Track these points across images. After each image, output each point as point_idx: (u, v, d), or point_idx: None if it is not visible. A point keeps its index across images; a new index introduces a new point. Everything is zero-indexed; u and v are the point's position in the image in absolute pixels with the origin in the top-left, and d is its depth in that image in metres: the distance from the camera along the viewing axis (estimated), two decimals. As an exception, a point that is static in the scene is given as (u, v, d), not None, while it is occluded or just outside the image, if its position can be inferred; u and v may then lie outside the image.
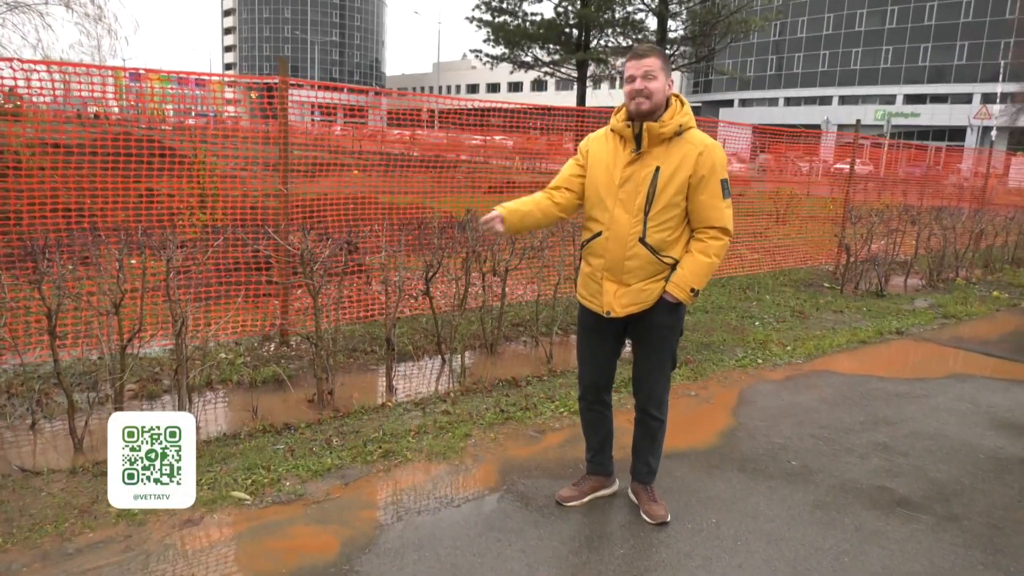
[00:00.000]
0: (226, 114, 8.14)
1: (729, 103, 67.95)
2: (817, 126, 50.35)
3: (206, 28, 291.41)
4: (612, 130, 3.07)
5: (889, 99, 58.54)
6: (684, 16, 31.03)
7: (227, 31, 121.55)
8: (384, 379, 4.98)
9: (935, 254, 10.34)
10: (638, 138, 2.95)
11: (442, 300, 6.24)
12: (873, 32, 59.94)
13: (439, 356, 5.61)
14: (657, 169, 2.93)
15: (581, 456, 3.57)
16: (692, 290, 2.98)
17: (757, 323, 7.16)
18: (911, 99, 57.54)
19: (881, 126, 48.98)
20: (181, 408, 4.11)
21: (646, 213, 2.94)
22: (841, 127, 50.61)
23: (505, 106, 8.84)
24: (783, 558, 3.00)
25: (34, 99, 5.26)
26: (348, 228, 6.15)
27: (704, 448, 4.10)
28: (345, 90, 6.99)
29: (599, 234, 3.05)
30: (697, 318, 7.22)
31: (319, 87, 6.47)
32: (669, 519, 3.23)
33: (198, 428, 4.09)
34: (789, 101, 65.42)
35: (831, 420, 4.65)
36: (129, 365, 4.21)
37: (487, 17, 31.70)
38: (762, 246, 10.81)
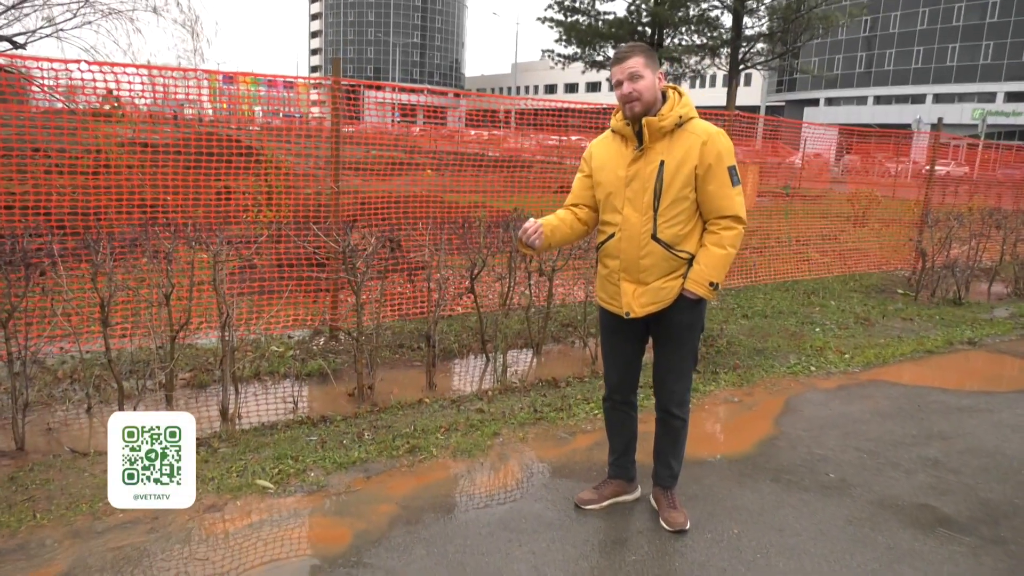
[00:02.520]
0: (311, 115, 8.40)
1: (815, 102, 65.59)
2: (908, 126, 48.14)
3: (294, 32, 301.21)
4: (613, 130, 3.04)
5: (989, 97, 55.31)
6: (761, 12, 30.15)
7: (314, 35, 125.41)
8: (425, 376, 5.04)
9: (1022, 260, 9.73)
10: (639, 135, 2.91)
11: (490, 299, 6.27)
12: (972, 27, 56.72)
13: (483, 354, 5.64)
14: (662, 163, 2.88)
15: (608, 460, 3.52)
16: (711, 284, 2.91)
17: (817, 329, 6.90)
18: (1013, 97, 54.20)
19: (976, 125, 46.42)
20: (224, 398, 4.27)
21: (655, 209, 2.90)
22: (934, 127, 48.30)
23: (577, 106, 8.79)
24: (803, 573, 2.88)
25: (135, 101, 5.57)
26: (398, 226, 6.26)
27: (738, 456, 3.98)
28: (425, 91, 7.10)
29: (612, 235, 3.02)
30: (755, 323, 7.02)
31: (398, 89, 6.59)
32: (688, 527, 3.15)
33: (240, 418, 4.25)
34: (879, 100, 62.67)
35: (880, 432, 4.44)
36: (178, 355, 4.41)
37: (559, 17, 31.56)
38: (833, 249, 10.41)
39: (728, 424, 4.50)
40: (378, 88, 6.43)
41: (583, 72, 33.21)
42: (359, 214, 6.20)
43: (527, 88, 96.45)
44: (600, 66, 32.08)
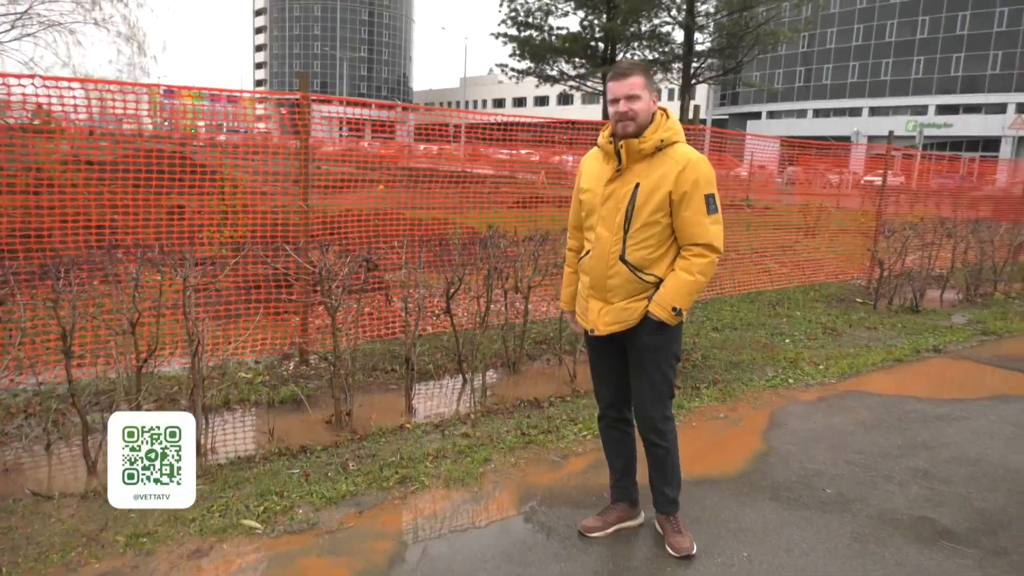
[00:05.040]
0: (256, 130, 8.16)
1: (757, 115, 67.34)
2: (847, 138, 49.74)
3: (238, 45, 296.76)
4: (599, 146, 3.03)
5: (921, 110, 57.60)
6: (711, 28, 30.79)
7: (258, 48, 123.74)
8: (403, 399, 4.87)
9: (972, 268, 10.02)
10: (619, 154, 2.88)
11: (464, 318, 6.14)
12: (904, 43, 59.09)
13: (460, 375, 5.50)
14: (637, 186, 2.85)
15: (605, 483, 3.42)
16: (674, 309, 2.85)
17: (788, 340, 6.95)
18: (943, 110, 56.53)
19: (913, 137, 48.21)
20: (197, 431, 4.03)
21: (625, 231, 2.87)
22: (871, 139, 49.93)
23: (530, 120, 8.75)
24: (819, 597, 2.82)
25: (69, 116, 5.28)
26: (369, 245, 6.09)
27: (734, 474, 3.93)
28: (372, 106, 6.96)
29: (588, 252, 3.01)
30: (726, 335, 7.03)
31: (348, 103, 6.44)
32: (695, 551, 3.06)
33: (213, 451, 4.02)
34: (818, 113, 64.68)
35: (867, 444, 4.44)
36: (145, 385, 4.16)
37: (513, 32, 31.79)
38: (791, 260, 10.55)
39: (718, 441, 4.45)
40: (355, 104, 6.26)
41: (536, 87, 33.41)
42: (327, 233, 6.01)
43: (475, 102, 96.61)
44: (553, 80, 32.33)
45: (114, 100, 5.34)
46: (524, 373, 5.72)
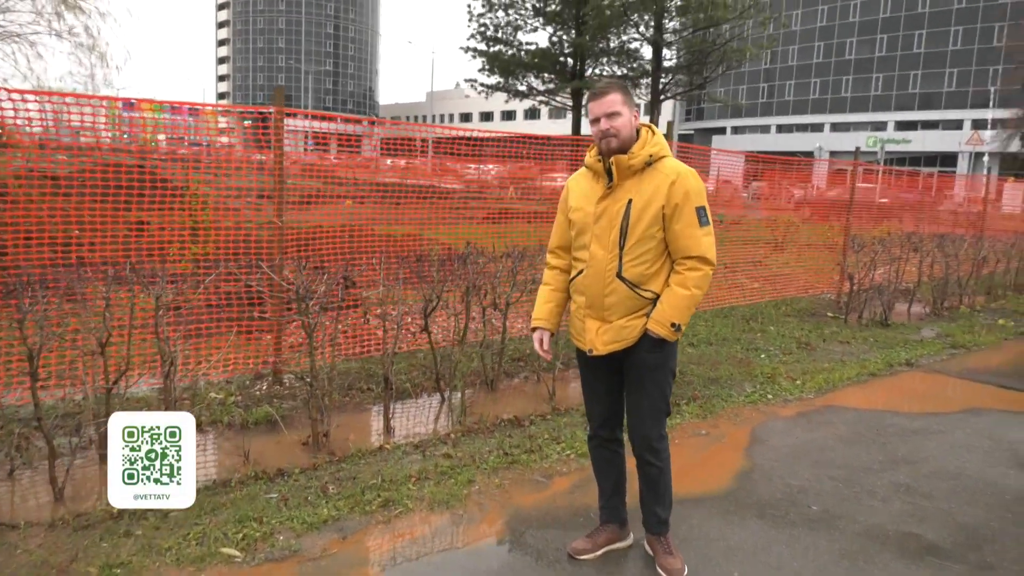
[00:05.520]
0: (219, 144, 8.05)
1: (721, 131, 68.49)
2: (810, 153, 50.70)
3: (201, 57, 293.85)
4: (586, 166, 3.04)
5: (880, 126, 59.09)
6: (679, 45, 31.26)
7: (221, 60, 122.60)
8: (381, 419, 4.79)
9: (938, 282, 10.24)
10: (609, 172, 2.90)
11: (441, 335, 6.08)
12: (863, 60, 60.67)
13: (438, 393, 5.43)
14: (629, 202, 2.87)
15: (592, 503, 3.39)
16: (673, 325, 2.86)
17: (763, 355, 7.01)
18: (902, 126, 58.07)
19: (874, 152, 49.35)
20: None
21: (621, 247, 2.88)
22: (833, 154, 51.03)
23: (498, 135, 8.75)
24: (812, 617, 2.81)
25: (25, 129, 5.13)
26: (345, 261, 6.01)
27: (720, 492, 3.92)
28: (339, 120, 6.90)
29: (581, 272, 3.00)
30: (702, 351, 7.06)
31: (313, 116, 6.37)
32: (686, 572, 3.04)
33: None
34: (781, 128, 65.95)
35: (848, 459, 4.48)
36: (115, 407, 4.03)
37: (482, 47, 31.90)
38: (762, 275, 10.67)
39: (701, 458, 4.44)
40: (321, 118, 6.18)
41: (506, 101, 33.56)
42: (300, 249, 5.92)
43: (442, 117, 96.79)
44: (523, 95, 32.50)
45: (70, 113, 5.22)
46: (503, 391, 5.67)
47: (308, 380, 4.42)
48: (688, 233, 2.84)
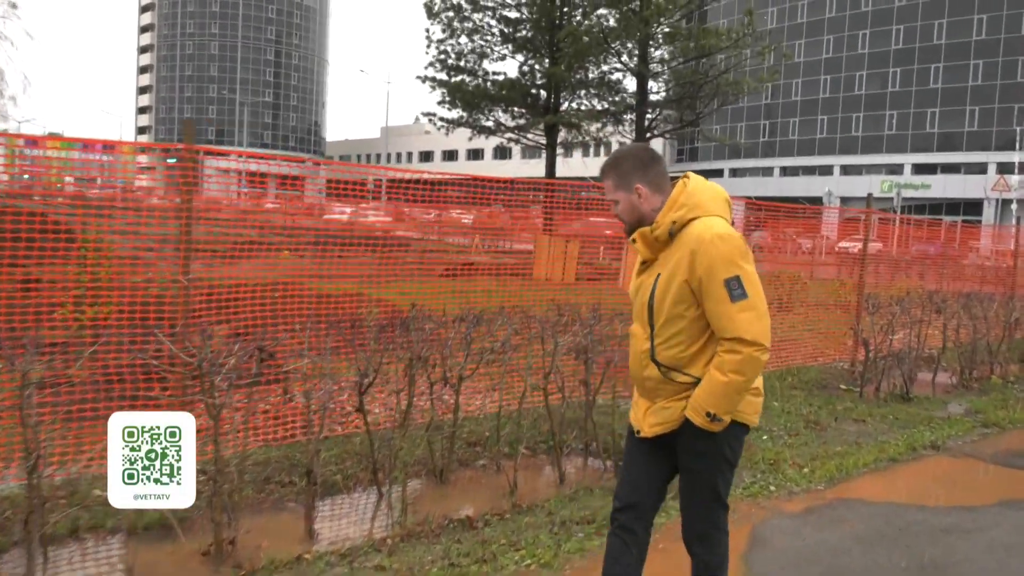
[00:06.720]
0: (126, 186, 7.94)
1: (719, 173, 69.85)
2: (818, 199, 51.87)
3: (120, 87, 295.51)
4: None
5: (896, 169, 60.71)
6: (667, 76, 31.99)
7: (143, 90, 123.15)
8: (303, 521, 4.58)
9: (965, 348, 10.29)
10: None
11: (385, 415, 5.91)
12: (874, 96, 62.64)
13: (375, 487, 5.23)
14: (658, 276, 2.94)
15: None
16: (708, 414, 2.81)
17: (765, 437, 6.91)
18: (920, 169, 59.71)
19: (890, 199, 50.60)
20: (30, 569, 3.66)
21: (652, 328, 2.96)
22: (844, 200, 52.24)
23: (451, 177, 8.75)
24: None
25: None
26: (265, 327, 5.84)
27: (711, 611, 3.74)
28: (270, 160, 6.83)
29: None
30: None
31: (239, 156, 6.29)
32: None
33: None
34: (785, 171, 67.53)
35: (867, 565, 4.36)
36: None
37: (442, 76, 32.34)
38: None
39: (688, 567, 4.27)
40: (291, 161, 6.09)
41: (470, 139, 33.91)
42: (213, 311, 5.74)
43: (399, 155, 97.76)
44: (489, 132, 32.85)
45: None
46: (454, 483, 5.49)
47: (211, 475, 4.20)
48: (719, 311, 2.80)
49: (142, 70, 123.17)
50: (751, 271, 2.81)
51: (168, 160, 8.52)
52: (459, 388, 5.54)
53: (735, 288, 2.77)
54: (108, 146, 7.30)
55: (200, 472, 4.82)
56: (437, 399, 5.68)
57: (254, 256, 7.44)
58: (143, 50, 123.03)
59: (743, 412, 2.93)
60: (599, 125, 32.19)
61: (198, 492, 4.87)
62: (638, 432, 3.09)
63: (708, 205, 2.90)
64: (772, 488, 5.58)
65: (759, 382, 2.98)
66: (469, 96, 31.43)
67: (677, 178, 3.03)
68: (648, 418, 3.03)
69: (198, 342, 4.47)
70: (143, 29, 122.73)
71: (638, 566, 3.12)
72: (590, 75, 31.09)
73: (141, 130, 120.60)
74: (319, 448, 4.68)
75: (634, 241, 3.02)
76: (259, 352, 4.69)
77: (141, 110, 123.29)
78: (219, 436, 4.21)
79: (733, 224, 3.06)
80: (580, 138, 32.98)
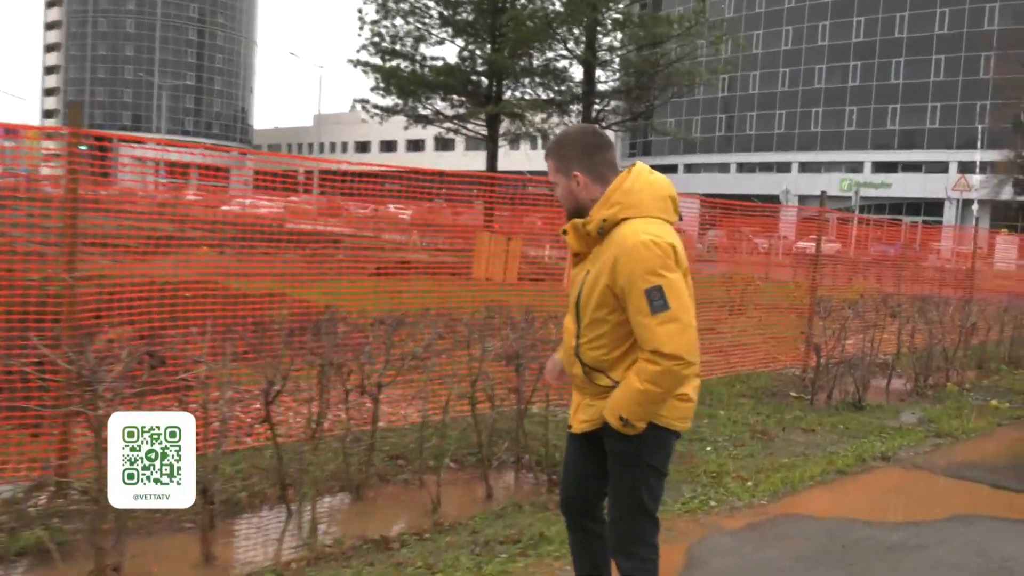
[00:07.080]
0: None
1: (672, 169, 70.64)
2: (775, 197, 52.76)
3: (24, 67, 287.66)
4: None
5: (856, 167, 62.16)
6: (616, 65, 32.22)
7: (49, 70, 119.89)
8: (200, 543, 4.43)
9: (920, 354, 10.49)
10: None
11: (300, 426, 5.78)
12: (834, 90, 64.02)
13: (283, 505, 5.10)
14: (587, 274, 2.97)
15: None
16: (621, 418, 2.85)
17: (709, 448, 6.93)
18: (881, 167, 61.26)
19: (848, 198, 51.75)
20: None
21: (578, 326, 3.01)
22: (803, 199, 53.27)
23: (379, 169, 8.65)
24: None
25: None
26: (165, 331, 5.67)
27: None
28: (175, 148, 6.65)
29: None
30: (634, 443, 6.94)
31: (138, 143, 6.10)
32: None
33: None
34: (742, 167, 68.70)
35: (808, 586, 4.36)
36: None
37: (375, 60, 32.08)
38: (713, 344, 10.71)
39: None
40: (211, 149, 5.91)
41: (405, 128, 33.70)
42: (104, 311, 5.55)
43: (333, 145, 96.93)
44: (427, 121, 32.70)
45: None
46: (372, 500, 5.40)
47: (92, 494, 4.04)
48: (638, 322, 2.81)
49: (49, 48, 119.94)
50: (675, 280, 2.77)
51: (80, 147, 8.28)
52: (378, 397, 5.45)
53: (656, 299, 2.74)
54: (10, 130, 7.07)
55: (81, 492, 4.67)
56: (356, 408, 5.57)
57: (171, 253, 7.25)
58: (50, 26, 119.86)
59: (667, 417, 2.91)
60: (544, 116, 32.27)
61: (85, 511, 4.74)
62: (569, 427, 3.19)
63: (644, 205, 2.86)
64: (713, 503, 5.58)
65: (691, 387, 2.97)
66: (405, 82, 31.25)
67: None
68: (578, 414, 3.11)
69: (80, 347, 4.30)
70: (50, 3, 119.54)
71: (606, 555, 3.25)
72: (534, 62, 31.22)
73: (48, 113, 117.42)
74: (216, 463, 4.53)
75: (565, 232, 3.02)
76: (149, 358, 4.53)
77: (48, 92, 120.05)
78: (100, 452, 4.05)
79: (681, 221, 3.11)
80: (524, 129, 33.01)
